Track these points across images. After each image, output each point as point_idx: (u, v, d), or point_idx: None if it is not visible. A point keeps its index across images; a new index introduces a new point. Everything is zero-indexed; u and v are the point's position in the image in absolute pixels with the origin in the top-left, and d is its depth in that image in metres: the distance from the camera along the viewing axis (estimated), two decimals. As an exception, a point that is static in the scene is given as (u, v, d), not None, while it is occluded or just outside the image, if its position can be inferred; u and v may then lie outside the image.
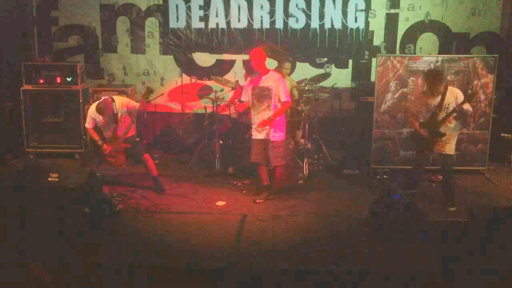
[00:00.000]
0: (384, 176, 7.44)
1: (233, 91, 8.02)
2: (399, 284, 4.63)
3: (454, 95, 6.05)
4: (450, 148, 6.19)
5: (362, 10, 8.57)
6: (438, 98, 6.09)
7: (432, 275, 4.65)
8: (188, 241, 5.34)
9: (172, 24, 8.82)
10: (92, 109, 6.73)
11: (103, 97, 6.67)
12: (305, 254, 5.05)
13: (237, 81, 8.16)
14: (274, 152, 6.24)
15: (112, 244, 5.26)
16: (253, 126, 6.31)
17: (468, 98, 5.95)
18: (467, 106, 5.98)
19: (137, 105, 6.71)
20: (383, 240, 5.28)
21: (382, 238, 5.32)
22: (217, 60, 8.89)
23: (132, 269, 4.76)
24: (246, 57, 8.80)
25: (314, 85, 7.74)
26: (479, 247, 4.74)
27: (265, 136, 6.23)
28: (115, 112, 6.58)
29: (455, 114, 6.02)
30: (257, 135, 6.28)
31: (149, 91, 6.66)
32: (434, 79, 6.07)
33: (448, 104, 6.03)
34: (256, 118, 6.26)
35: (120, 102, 6.64)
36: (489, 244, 4.66)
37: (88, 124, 6.73)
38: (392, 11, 8.58)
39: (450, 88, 6.15)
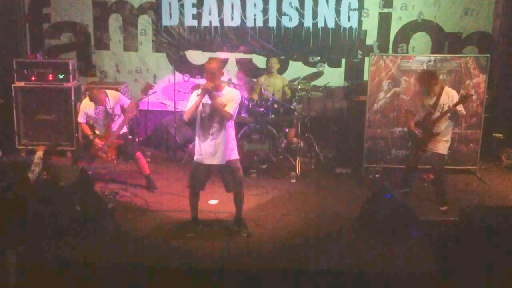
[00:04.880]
0: (376, 175, 7.46)
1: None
2: (398, 284, 4.64)
3: (449, 96, 6.05)
4: (442, 147, 6.17)
5: (355, 9, 8.58)
6: (434, 98, 6.09)
7: (431, 275, 4.65)
8: (179, 240, 5.34)
9: (165, 21, 8.78)
10: (84, 103, 6.71)
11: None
12: (302, 254, 5.06)
13: (230, 79, 8.15)
14: None
15: (103, 242, 5.23)
16: None
17: (462, 100, 5.95)
18: (460, 108, 6.00)
19: (129, 102, 6.69)
20: (377, 240, 5.28)
21: (375, 237, 5.32)
22: (210, 58, 8.82)
23: (125, 268, 4.75)
24: (239, 55, 8.81)
25: (307, 84, 7.74)
26: (471, 246, 4.76)
27: None
28: (109, 107, 6.56)
29: (448, 114, 6.04)
30: None
31: (148, 87, 6.63)
32: (428, 80, 6.08)
33: (443, 105, 6.03)
34: None
35: (114, 96, 6.64)
36: (481, 244, 4.68)
37: (80, 119, 6.71)
38: (385, 10, 8.59)
39: (446, 88, 6.15)
